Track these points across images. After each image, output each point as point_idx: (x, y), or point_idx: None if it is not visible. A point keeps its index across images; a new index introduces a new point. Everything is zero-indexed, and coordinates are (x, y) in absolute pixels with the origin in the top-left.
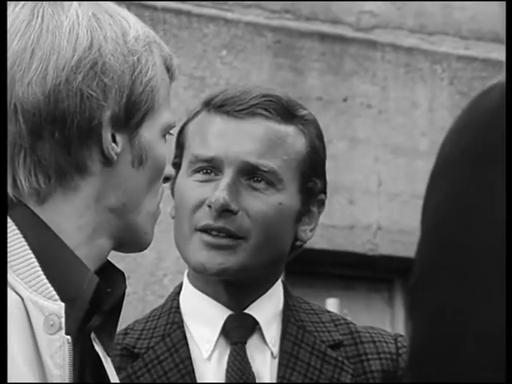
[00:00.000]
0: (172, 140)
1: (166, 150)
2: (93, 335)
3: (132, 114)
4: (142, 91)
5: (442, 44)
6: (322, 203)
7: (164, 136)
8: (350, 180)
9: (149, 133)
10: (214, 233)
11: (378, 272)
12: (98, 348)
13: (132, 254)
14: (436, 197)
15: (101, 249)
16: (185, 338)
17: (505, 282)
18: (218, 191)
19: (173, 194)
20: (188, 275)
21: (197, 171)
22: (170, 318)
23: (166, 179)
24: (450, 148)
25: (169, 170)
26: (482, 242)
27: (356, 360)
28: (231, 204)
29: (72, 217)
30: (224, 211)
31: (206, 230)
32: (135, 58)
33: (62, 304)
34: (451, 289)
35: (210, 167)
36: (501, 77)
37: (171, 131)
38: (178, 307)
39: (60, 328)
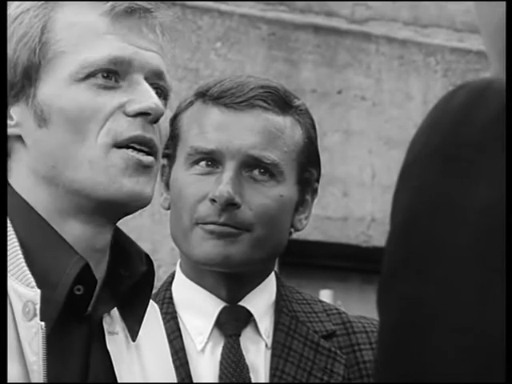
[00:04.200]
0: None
1: (85, 91)
2: (111, 324)
3: (12, 82)
4: (14, 52)
5: (436, 36)
6: (315, 191)
7: (81, 79)
8: (344, 172)
9: (47, 87)
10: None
11: (371, 264)
12: (115, 338)
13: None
14: (406, 193)
15: (73, 232)
16: (178, 329)
17: (467, 275)
18: (222, 185)
19: (167, 186)
20: (180, 265)
21: (195, 163)
22: (163, 308)
23: (144, 114)
24: (419, 146)
25: (138, 106)
26: (447, 238)
27: (349, 350)
28: (235, 197)
29: (25, 196)
30: (228, 205)
31: (210, 224)
32: (14, 25)
33: (38, 291)
34: (418, 282)
35: (210, 159)
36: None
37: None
38: (171, 297)
39: (35, 314)
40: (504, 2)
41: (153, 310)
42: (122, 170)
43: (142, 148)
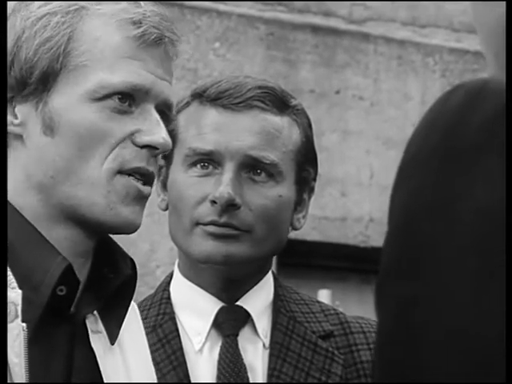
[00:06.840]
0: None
1: (99, 112)
2: (96, 323)
3: (24, 82)
4: (34, 53)
5: (434, 37)
6: (312, 190)
7: (97, 99)
8: (342, 172)
9: (62, 98)
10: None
11: (369, 264)
12: (99, 337)
13: (124, 245)
14: (402, 193)
15: (58, 236)
16: (176, 329)
17: (462, 276)
18: (223, 186)
19: (164, 187)
20: (178, 265)
21: (194, 164)
22: (160, 308)
23: (149, 147)
24: (416, 147)
25: (149, 139)
26: (443, 238)
27: (346, 350)
28: (235, 198)
29: (15, 196)
30: (229, 206)
31: (211, 225)
32: (26, 23)
33: (20, 291)
34: (413, 282)
35: (209, 160)
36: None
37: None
38: (169, 298)
39: (16, 316)
40: (500, 3)
41: (133, 311)
42: (122, 197)
43: (142, 178)
